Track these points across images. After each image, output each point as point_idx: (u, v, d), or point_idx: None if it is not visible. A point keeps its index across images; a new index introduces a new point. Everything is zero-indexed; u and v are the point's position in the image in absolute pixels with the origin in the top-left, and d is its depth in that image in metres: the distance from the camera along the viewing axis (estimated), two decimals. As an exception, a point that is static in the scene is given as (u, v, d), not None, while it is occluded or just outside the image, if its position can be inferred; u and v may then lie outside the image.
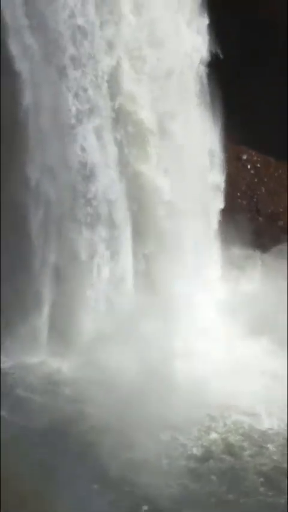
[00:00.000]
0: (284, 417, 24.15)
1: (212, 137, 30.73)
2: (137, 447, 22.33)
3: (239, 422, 24.10)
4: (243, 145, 32.59)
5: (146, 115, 27.84)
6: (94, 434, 22.98)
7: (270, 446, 23.23)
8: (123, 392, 23.71)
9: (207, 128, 30.16)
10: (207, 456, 22.76)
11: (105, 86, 26.89)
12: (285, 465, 22.34)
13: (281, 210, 32.62)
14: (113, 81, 27.20)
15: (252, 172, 32.97)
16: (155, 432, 22.97)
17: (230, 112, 30.02)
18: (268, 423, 23.99)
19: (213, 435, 23.57)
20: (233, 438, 23.60)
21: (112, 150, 27.55)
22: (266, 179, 32.86)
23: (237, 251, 31.42)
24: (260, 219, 32.55)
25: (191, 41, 28.98)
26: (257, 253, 31.73)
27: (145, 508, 20.47)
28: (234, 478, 21.95)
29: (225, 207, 30.93)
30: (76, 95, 26.42)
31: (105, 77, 26.82)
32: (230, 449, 23.17)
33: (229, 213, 31.12)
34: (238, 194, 32.55)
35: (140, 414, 22.90)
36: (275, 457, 22.79)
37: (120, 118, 27.49)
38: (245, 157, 32.98)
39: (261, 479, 21.87)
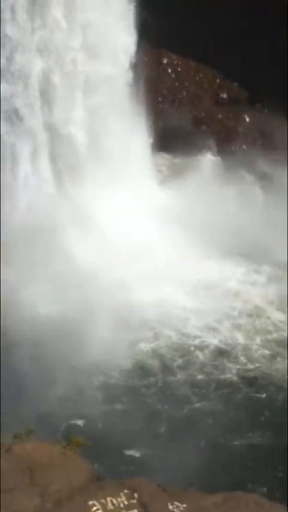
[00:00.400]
0: (217, 328, 24.85)
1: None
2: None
3: (170, 335, 24.69)
4: (163, 48, 32.12)
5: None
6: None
7: (200, 355, 23.92)
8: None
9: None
10: (138, 369, 23.38)
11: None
12: (216, 376, 23.18)
13: (203, 114, 32.52)
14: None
15: (173, 76, 32.76)
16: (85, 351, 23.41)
17: (149, 14, 29.29)
18: (199, 335, 24.76)
19: (145, 348, 24.10)
20: (164, 351, 24.23)
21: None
22: (187, 84, 32.66)
23: (162, 158, 31.39)
24: (183, 123, 32.42)
25: None
26: (183, 159, 31.61)
27: (80, 422, 21.23)
28: (165, 389, 22.79)
29: (147, 112, 30.49)
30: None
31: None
32: (161, 361, 23.77)
33: (152, 119, 30.79)
34: (159, 99, 32.30)
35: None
36: (206, 369, 23.60)
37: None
38: (165, 61, 32.72)
39: (193, 390, 22.76)
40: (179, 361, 23.84)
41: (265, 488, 19.01)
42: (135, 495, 11.66)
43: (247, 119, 32.41)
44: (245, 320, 25.68)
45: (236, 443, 21.34)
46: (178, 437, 21.19)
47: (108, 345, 23.57)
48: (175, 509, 11.58)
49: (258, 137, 30.98)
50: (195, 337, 24.79)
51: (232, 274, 27.54)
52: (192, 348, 24.37)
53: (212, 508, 11.74)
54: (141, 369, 23.52)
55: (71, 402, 21.77)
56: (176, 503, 11.68)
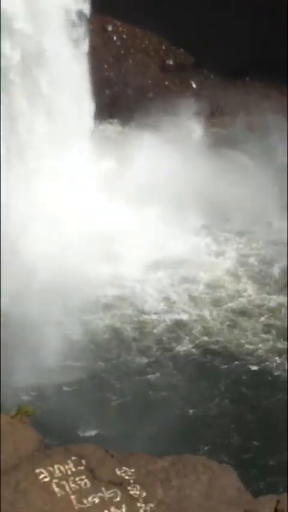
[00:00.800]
0: (175, 301, 24.94)
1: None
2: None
3: (126, 310, 24.72)
4: (109, 15, 31.88)
5: None
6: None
7: (156, 328, 24.02)
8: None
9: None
10: (93, 344, 23.43)
11: None
12: (172, 347, 23.32)
13: (150, 81, 32.41)
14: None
15: (118, 43, 32.56)
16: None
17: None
18: (156, 309, 24.86)
19: (100, 324, 24.09)
20: (119, 325, 24.24)
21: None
22: (133, 51, 32.50)
23: (109, 126, 31.25)
24: (129, 91, 32.28)
25: None
26: (130, 127, 31.50)
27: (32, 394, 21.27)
28: (120, 363, 22.86)
29: (93, 80, 30.22)
30: None
31: None
32: (116, 335, 23.82)
33: (98, 87, 30.52)
34: (105, 67, 32.10)
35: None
36: (162, 341, 23.68)
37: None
38: (110, 28, 32.47)
39: (146, 360, 22.86)
40: (135, 334, 23.85)
41: (220, 454, 19.17)
42: (83, 461, 11.77)
43: (194, 85, 32.39)
44: (204, 292, 25.75)
45: (191, 411, 21.51)
46: (130, 407, 21.32)
47: (64, 328, 23.56)
48: (123, 474, 11.71)
49: (206, 103, 30.90)
50: (152, 311, 24.83)
51: (195, 247, 27.51)
52: (148, 322, 24.44)
53: (160, 471, 11.90)
54: (95, 345, 23.49)
55: (24, 375, 21.73)
56: (124, 468, 11.82)
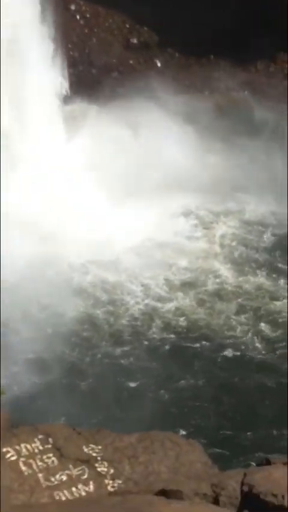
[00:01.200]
0: (149, 285, 24.95)
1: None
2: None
3: (98, 294, 24.73)
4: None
5: None
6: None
7: (129, 312, 24.01)
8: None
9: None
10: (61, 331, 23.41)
11: None
12: (144, 329, 23.34)
13: (115, 60, 32.32)
14: None
15: (82, 22, 32.43)
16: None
17: None
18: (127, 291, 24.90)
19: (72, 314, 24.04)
20: (91, 311, 24.18)
21: None
22: (96, 30, 32.38)
23: (75, 106, 31.11)
24: (94, 71, 32.17)
25: None
26: (97, 106, 31.37)
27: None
28: (90, 347, 22.86)
29: (57, 61, 30.13)
30: None
31: None
32: (88, 320, 23.77)
33: (62, 67, 30.42)
34: (69, 46, 31.93)
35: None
36: (134, 325, 23.68)
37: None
38: (73, 7, 32.32)
39: (119, 344, 22.84)
40: (108, 319, 23.80)
41: (193, 434, 19.24)
42: (50, 440, 11.84)
43: (159, 64, 32.34)
44: (180, 275, 25.78)
45: (162, 391, 21.52)
46: (101, 391, 21.29)
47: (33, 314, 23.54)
48: (90, 452, 11.78)
49: (170, 82, 30.87)
50: (126, 294, 24.82)
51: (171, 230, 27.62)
52: (121, 306, 24.39)
53: (128, 448, 11.99)
54: (67, 329, 23.42)
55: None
56: (91, 445, 11.91)
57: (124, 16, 32.47)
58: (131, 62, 32.48)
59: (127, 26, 32.60)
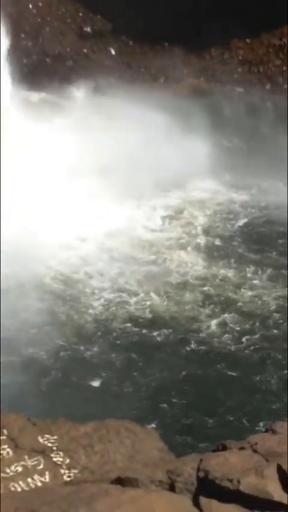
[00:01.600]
0: (114, 277, 24.92)
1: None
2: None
3: (59, 285, 24.66)
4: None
5: None
6: None
7: (90, 304, 23.93)
8: None
9: None
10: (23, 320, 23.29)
11: None
12: (106, 322, 23.27)
13: (69, 49, 32.13)
14: None
15: (34, 12, 32.16)
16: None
17: None
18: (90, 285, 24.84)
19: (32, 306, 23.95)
20: (51, 303, 24.09)
21: None
22: (49, 19, 32.15)
23: (31, 96, 30.93)
24: (48, 60, 31.98)
25: None
26: (52, 96, 31.21)
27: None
28: (48, 339, 22.79)
29: (10, 50, 29.92)
30: None
31: None
32: (48, 312, 23.73)
33: (16, 56, 30.23)
34: (22, 36, 31.71)
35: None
36: (97, 318, 23.62)
37: None
38: (25, -4, 32.07)
39: (81, 338, 22.73)
40: (70, 313, 23.66)
41: (154, 423, 19.20)
42: (4, 431, 11.74)
43: (113, 52, 32.20)
44: (143, 266, 25.79)
45: (127, 386, 21.32)
46: (62, 386, 21.06)
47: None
48: (46, 442, 11.71)
49: (125, 70, 30.80)
50: (87, 285, 24.81)
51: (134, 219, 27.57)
52: (82, 297, 24.31)
53: (83, 437, 11.93)
54: (27, 325, 23.17)
55: None
56: (46, 435, 11.84)
57: (77, 4, 32.33)
58: (85, 50, 32.34)
59: (80, 14, 32.44)
